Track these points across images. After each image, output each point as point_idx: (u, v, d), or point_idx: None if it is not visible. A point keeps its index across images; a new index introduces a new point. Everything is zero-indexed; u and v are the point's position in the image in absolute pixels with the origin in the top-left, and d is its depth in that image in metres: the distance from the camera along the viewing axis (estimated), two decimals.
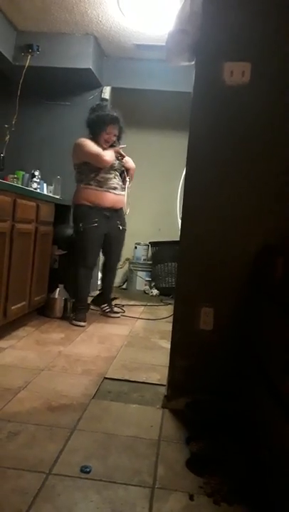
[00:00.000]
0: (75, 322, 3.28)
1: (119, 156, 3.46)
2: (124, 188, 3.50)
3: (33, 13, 3.66)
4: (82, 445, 1.52)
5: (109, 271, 3.69)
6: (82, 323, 3.27)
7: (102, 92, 4.41)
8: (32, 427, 1.62)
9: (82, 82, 4.29)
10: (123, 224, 3.56)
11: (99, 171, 3.35)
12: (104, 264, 3.71)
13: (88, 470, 1.36)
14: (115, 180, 3.43)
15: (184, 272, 1.95)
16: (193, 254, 1.92)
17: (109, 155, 3.36)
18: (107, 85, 4.41)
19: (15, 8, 3.61)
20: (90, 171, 3.36)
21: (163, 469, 1.42)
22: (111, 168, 3.41)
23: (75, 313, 3.37)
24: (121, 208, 3.52)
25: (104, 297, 3.75)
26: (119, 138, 3.48)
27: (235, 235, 1.88)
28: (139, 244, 5.35)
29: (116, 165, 3.45)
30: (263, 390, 1.47)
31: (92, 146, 3.35)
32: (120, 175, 3.50)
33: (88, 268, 3.43)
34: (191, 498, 1.27)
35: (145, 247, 5.25)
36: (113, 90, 4.44)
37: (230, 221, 1.88)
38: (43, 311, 3.46)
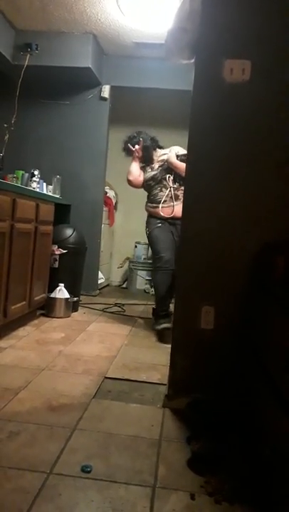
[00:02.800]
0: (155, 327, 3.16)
1: (149, 163, 3.40)
2: (178, 196, 3.28)
3: (32, 12, 3.65)
4: (83, 445, 1.52)
5: None
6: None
7: (101, 90, 4.40)
8: (33, 426, 1.62)
9: (82, 80, 4.28)
10: (176, 234, 3.28)
11: (149, 191, 3.39)
12: None
13: (89, 469, 1.36)
14: (162, 194, 3.30)
15: (184, 270, 1.95)
16: (193, 253, 1.92)
17: (131, 171, 3.40)
18: (107, 84, 4.40)
19: (13, 7, 3.60)
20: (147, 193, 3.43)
21: (164, 469, 1.41)
22: (154, 181, 3.35)
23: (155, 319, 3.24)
24: (178, 218, 3.19)
25: None
26: (148, 159, 3.42)
27: (235, 234, 1.88)
28: (139, 243, 5.35)
29: (157, 175, 3.35)
30: (264, 388, 1.47)
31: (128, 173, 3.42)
32: (173, 179, 3.31)
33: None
34: (192, 497, 1.27)
35: (145, 246, 5.24)
36: (112, 89, 4.43)
37: (230, 220, 1.88)
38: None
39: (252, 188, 1.86)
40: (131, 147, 3.39)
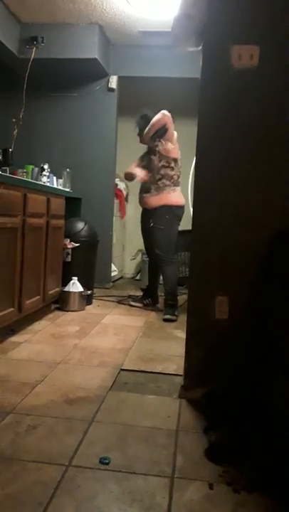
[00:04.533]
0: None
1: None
2: (153, 186, 3.44)
3: (36, 4, 3.63)
4: (101, 437, 1.53)
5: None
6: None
7: (108, 81, 4.37)
8: (50, 419, 1.63)
9: (89, 72, 4.25)
10: (154, 222, 3.47)
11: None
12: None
13: (107, 461, 1.37)
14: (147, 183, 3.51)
15: (197, 261, 1.93)
16: (205, 242, 1.90)
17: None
18: (114, 74, 4.36)
19: (18, 1, 3.58)
20: None
21: (182, 459, 1.42)
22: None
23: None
24: (153, 208, 3.47)
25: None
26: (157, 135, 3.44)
27: (247, 222, 1.85)
28: None
29: (143, 162, 3.52)
30: (280, 377, 1.45)
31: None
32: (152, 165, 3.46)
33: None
34: (211, 486, 1.27)
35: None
36: (120, 79, 4.40)
37: (242, 208, 1.85)
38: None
39: (264, 175, 1.83)
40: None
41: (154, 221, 3.45)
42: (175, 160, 3.43)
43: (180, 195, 3.48)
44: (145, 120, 3.43)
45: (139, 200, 3.60)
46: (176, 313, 3.34)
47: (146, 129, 3.36)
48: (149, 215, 3.51)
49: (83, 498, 1.19)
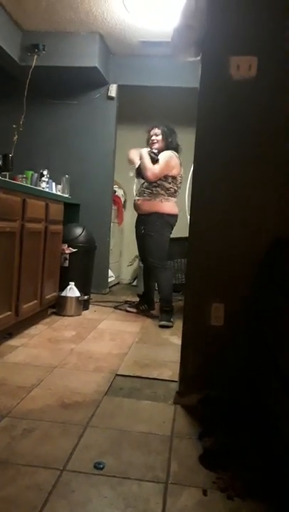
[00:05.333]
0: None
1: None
2: (147, 191, 3.50)
3: (38, 13, 3.67)
4: (96, 441, 1.53)
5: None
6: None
7: (108, 90, 4.40)
8: (46, 424, 1.64)
9: (89, 80, 4.29)
10: (146, 229, 3.52)
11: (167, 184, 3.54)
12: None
13: (102, 466, 1.37)
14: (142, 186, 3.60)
15: (193, 268, 1.95)
16: (202, 249, 1.92)
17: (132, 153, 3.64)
18: (114, 83, 4.40)
19: (20, 9, 3.62)
20: None
21: (176, 465, 1.42)
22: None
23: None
24: (146, 214, 3.52)
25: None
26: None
27: (244, 229, 1.87)
28: None
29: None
30: (276, 384, 1.47)
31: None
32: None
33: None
34: (205, 493, 1.27)
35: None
36: (119, 88, 4.43)
37: (239, 215, 1.88)
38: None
39: (261, 184, 1.85)
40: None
41: (146, 227, 3.50)
42: (173, 177, 3.47)
43: (174, 205, 3.50)
44: (171, 131, 3.57)
45: (133, 205, 3.65)
46: (171, 320, 3.36)
47: (161, 166, 3.41)
48: (141, 221, 3.56)
49: (77, 503, 1.20)
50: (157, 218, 3.45)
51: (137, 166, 3.54)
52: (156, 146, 3.52)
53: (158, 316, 3.46)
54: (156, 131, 3.55)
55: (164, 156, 3.42)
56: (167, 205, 3.46)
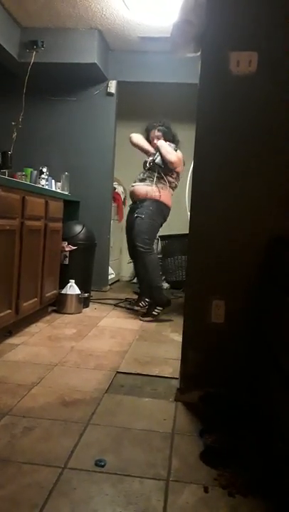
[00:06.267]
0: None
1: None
2: (149, 178, 3.54)
3: (37, 9, 3.65)
4: (97, 439, 1.53)
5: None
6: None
7: (107, 86, 4.38)
8: (46, 422, 1.63)
9: (88, 76, 4.27)
10: (138, 212, 3.53)
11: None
12: None
13: (103, 464, 1.37)
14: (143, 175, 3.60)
15: (194, 264, 1.94)
16: (202, 246, 1.91)
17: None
18: (113, 79, 4.38)
19: (18, 5, 3.60)
20: None
21: (177, 462, 1.42)
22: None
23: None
24: (142, 199, 3.53)
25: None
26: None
27: (244, 227, 1.87)
28: None
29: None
30: (276, 381, 1.46)
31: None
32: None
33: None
34: (206, 490, 1.27)
35: (155, 240, 5.23)
36: (119, 84, 4.42)
37: (239, 212, 1.87)
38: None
39: (261, 180, 1.85)
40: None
41: (138, 211, 3.50)
42: (177, 173, 3.57)
43: (170, 197, 3.56)
44: (170, 129, 3.61)
45: (130, 193, 3.66)
46: (154, 312, 3.39)
47: (178, 155, 3.49)
48: (135, 207, 3.56)
49: (79, 501, 1.20)
50: (152, 204, 3.48)
51: (155, 157, 3.49)
52: None
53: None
54: (157, 134, 3.58)
55: (176, 152, 3.51)
56: (165, 195, 3.50)
